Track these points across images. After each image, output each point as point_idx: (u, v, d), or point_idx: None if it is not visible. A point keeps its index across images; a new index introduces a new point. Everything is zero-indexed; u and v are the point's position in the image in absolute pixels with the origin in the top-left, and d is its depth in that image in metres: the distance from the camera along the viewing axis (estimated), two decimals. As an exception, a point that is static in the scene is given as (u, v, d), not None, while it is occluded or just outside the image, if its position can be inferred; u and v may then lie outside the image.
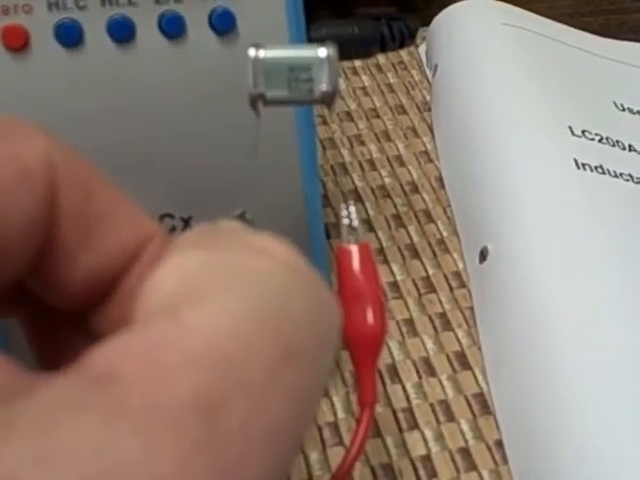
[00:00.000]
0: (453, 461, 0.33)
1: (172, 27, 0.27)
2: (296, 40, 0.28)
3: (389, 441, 0.33)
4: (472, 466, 0.33)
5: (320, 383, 0.15)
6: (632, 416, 0.30)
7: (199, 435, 0.12)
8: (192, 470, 0.12)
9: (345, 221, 0.24)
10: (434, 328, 0.38)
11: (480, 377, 0.35)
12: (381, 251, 0.41)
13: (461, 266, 0.40)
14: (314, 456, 0.33)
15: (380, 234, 0.42)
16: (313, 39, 0.30)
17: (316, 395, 0.15)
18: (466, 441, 0.33)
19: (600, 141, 0.42)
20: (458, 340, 0.37)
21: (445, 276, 0.40)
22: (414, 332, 0.37)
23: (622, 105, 0.45)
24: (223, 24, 0.27)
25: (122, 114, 0.27)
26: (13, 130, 0.16)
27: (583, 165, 0.39)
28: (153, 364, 0.13)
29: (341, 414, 0.34)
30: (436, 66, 0.49)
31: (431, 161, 0.46)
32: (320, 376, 0.15)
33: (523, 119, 0.42)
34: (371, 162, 0.46)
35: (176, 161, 0.28)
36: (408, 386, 0.35)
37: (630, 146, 0.42)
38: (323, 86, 0.22)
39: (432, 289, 0.39)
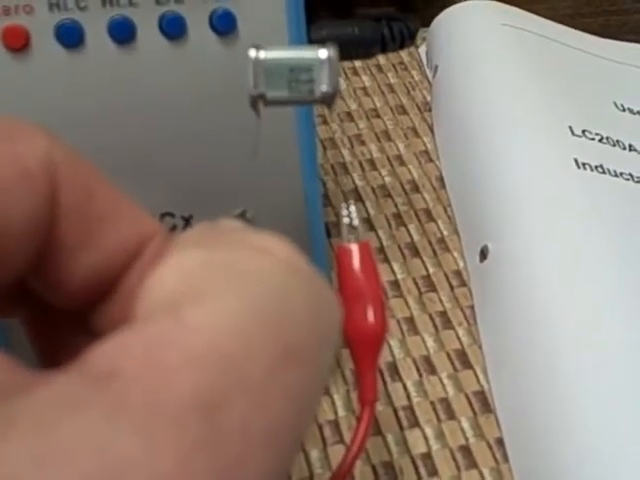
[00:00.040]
0: (454, 459, 0.33)
1: (173, 28, 0.27)
2: (296, 41, 0.28)
3: (390, 439, 0.33)
4: (473, 464, 0.33)
5: (320, 381, 0.16)
6: (632, 415, 0.30)
7: (199, 433, 0.12)
8: (192, 468, 0.12)
9: (345, 220, 0.24)
10: (434, 326, 0.38)
11: (481, 375, 0.36)
12: (382, 250, 0.41)
13: (461, 265, 0.40)
14: (315, 454, 0.33)
15: (381, 233, 0.42)
16: (313, 40, 0.30)
17: (316, 393, 0.15)
18: (467, 439, 0.33)
19: (600, 141, 0.42)
20: (459, 338, 0.37)
21: (445, 275, 0.40)
22: (415, 330, 0.37)
23: (622, 105, 0.45)
24: (224, 25, 0.27)
25: (123, 114, 0.27)
26: (14, 130, 0.16)
27: (583, 165, 0.39)
28: (154, 362, 0.13)
29: (342, 412, 0.34)
30: (436, 67, 0.49)
31: (431, 161, 0.46)
32: (320, 374, 0.15)
33: (523, 119, 0.42)
34: (371, 162, 0.46)
35: (177, 161, 0.28)
36: (409, 384, 0.35)
37: (630, 146, 0.42)
38: (323, 87, 0.22)
39: (432, 288, 0.39)
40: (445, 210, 0.43)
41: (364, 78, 0.52)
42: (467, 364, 0.36)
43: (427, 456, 0.33)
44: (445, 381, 0.35)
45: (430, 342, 0.37)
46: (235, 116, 0.27)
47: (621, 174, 0.40)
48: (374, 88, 0.51)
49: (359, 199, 0.43)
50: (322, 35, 0.31)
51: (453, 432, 0.34)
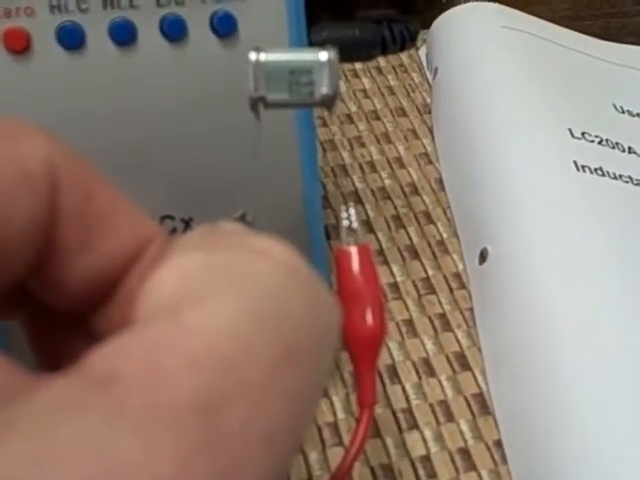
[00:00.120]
0: (452, 461, 0.33)
1: (173, 30, 0.27)
2: (297, 43, 0.28)
3: (389, 441, 0.33)
4: (471, 466, 0.33)
5: (320, 384, 0.16)
6: (631, 417, 0.30)
7: (199, 436, 0.12)
8: (192, 471, 0.12)
9: (345, 223, 0.24)
10: (434, 329, 0.38)
11: (480, 378, 0.36)
12: (381, 252, 0.41)
13: (461, 267, 0.40)
14: (314, 456, 0.33)
15: (380, 235, 0.42)
16: (314, 42, 0.30)
17: (316, 396, 0.15)
18: (465, 441, 0.33)
19: (600, 143, 0.42)
20: (458, 341, 0.37)
21: (445, 277, 0.40)
22: (414, 333, 0.37)
23: (622, 107, 0.45)
24: (224, 27, 0.27)
25: (123, 116, 0.27)
26: (14, 131, 0.16)
27: (583, 167, 0.39)
28: (153, 365, 0.13)
29: (341, 414, 0.34)
30: (436, 69, 0.49)
31: (431, 163, 0.46)
32: (319, 377, 0.15)
33: (523, 121, 0.42)
34: (371, 164, 0.46)
35: (177, 163, 0.28)
36: (408, 386, 0.35)
37: (630, 148, 0.42)
38: (324, 89, 0.22)
39: (432, 290, 0.39)
40: (445, 212, 0.43)
41: (364, 80, 0.52)
42: (466, 366, 0.36)
43: (426, 458, 0.33)
44: (444, 383, 0.35)
45: (429, 344, 0.37)
46: (235, 118, 0.27)
47: (620, 176, 0.40)
48: (374, 90, 0.51)
49: (359, 201, 0.43)
50: (322, 37, 0.31)
51: (452, 434, 0.34)
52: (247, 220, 0.29)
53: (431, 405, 0.35)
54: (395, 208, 0.43)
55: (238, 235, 0.17)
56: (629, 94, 0.47)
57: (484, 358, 0.36)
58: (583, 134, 0.42)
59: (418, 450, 0.33)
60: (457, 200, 0.43)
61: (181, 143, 0.28)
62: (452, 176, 0.44)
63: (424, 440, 0.33)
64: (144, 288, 0.16)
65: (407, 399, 0.35)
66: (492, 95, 0.44)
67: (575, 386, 0.31)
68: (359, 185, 0.45)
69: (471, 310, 0.38)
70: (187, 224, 0.29)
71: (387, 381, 0.35)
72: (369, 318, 0.24)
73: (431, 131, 0.48)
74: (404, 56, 0.53)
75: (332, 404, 0.35)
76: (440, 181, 0.45)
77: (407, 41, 0.34)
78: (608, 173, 0.39)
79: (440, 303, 0.39)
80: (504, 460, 0.33)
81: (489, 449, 0.33)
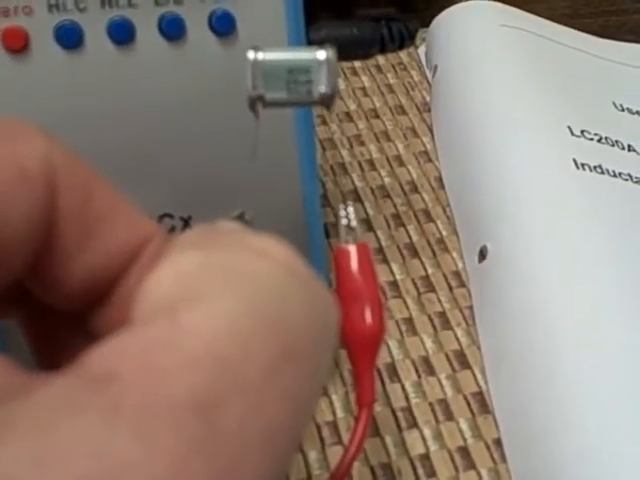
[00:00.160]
0: (452, 460, 0.33)
1: (172, 29, 0.27)
2: (296, 41, 0.28)
3: (388, 440, 0.33)
4: (471, 465, 0.33)
5: (318, 383, 0.16)
6: (631, 416, 0.30)
7: (197, 435, 0.12)
8: (190, 470, 0.12)
9: (343, 221, 0.24)
10: (433, 327, 0.38)
11: (479, 376, 0.36)
12: (380, 250, 0.41)
13: (460, 265, 0.40)
14: (313, 455, 0.33)
15: (379, 233, 0.42)
16: (312, 40, 0.30)
17: (314, 395, 0.15)
18: (465, 440, 0.33)
19: (599, 141, 0.42)
20: (457, 339, 0.37)
21: (444, 275, 0.40)
22: (413, 331, 0.37)
23: (621, 105, 0.45)
24: (223, 26, 0.27)
25: (122, 116, 0.27)
26: (12, 132, 0.16)
27: (582, 165, 0.39)
28: (151, 364, 0.13)
29: (340, 413, 0.34)
30: (436, 67, 0.49)
31: (430, 161, 0.46)
32: (318, 376, 0.15)
33: (522, 119, 0.42)
34: (371, 162, 0.46)
35: (176, 162, 0.28)
36: (407, 385, 0.35)
37: (629, 146, 0.42)
38: (322, 88, 0.22)
39: (431, 288, 0.39)
40: (444, 210, 0.43)
41: (363, 78, 0.52)
42: (466, 365, 0.36)
43: (425, 457, 0.33)
44: (444, 382, 0.35)
45: (429, 343, 0.37)
46: (234, 117, 0.27)
47: (620, 174, 0.40)
48: (373, 88, 0.51)
49: (358, 200, 0.43)
50: (321, 36, 0.31)
51: (451, 433, 0.34)
52: (245, 219, 0.29)
53: (430, 404, 0.35)
54: (394, 206, 0.43)
55: (236, 234, 0.17)
56: (628, 92, 0.47)
57: (483, 356, 0.36)
58: (582, 132, 0.42)
59: (417, 449, 0.33)
60: (456, 198, 0.43)
61: (180, 142, 0.28)
62: (451, 174, 0.44)
63: (423, 439, 0.33)
64: (142, 287, 0.16)
65: (406, 398, 0.35)
66: (491, 93, 0.44)
67: (574, 384, 0.31)
68: (358, 183, 0.45)
69: (471, 308, 0.38)
70: (186, 223, 0.29)
71: (386, 380, 0.35)
72: (368, 317, 0.24)
73: (430, 129, 0.48)
74: (403, 54, 0.53)
75: (331, 403, 0.35)
76: (439, 179, 0.45)
77: (406, 39, 0.34)
78: (607, 171, 0.39)
79: (440, 301, 0.39)
80: (503, 459, 0.33)
81: (488, 448, 0.33)
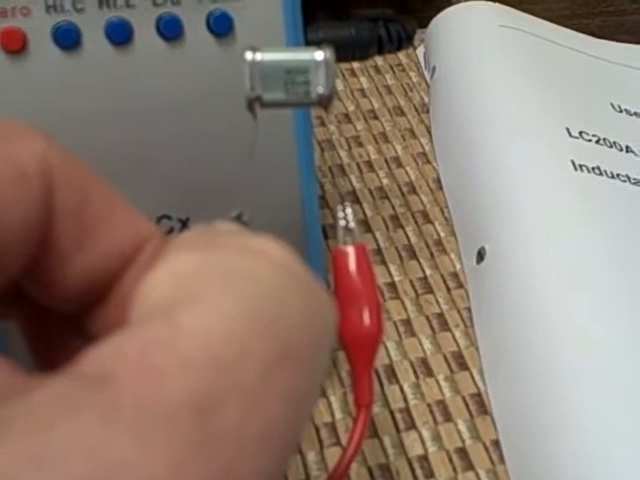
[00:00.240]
0: (450, 461, 0.33)
1: (170, 29, 0.27)
2: (293, 42, 0.28)
3: (386, 441, 0.33)
4: (469, 466, 0.33)
5: (315, 384, 0.16)
6: (628, 417, 0.30)
7: (193, 436, 0.12)
8: (186, 471, 0.12)
9: (341, 222, 0.24)
10: (431, 328, 0.38)
11: (477, 377, 0.36)
12: (379, 252, 0.41)
13: (458, 267, 0.40)
14: (311, 456, 0.33)
15: (378, 235, 0.42)
16: (310, 41, 0.30)
17: (311, 396, 0.15)
18: (463, 441, 0.33)
19: (597, 142, 0.42)
20: (455, 340, 0.37)
21: (442, 277, 0.40)
22: (411, 332, 0.37)
23: (619, 106, 0.45)
24: (221, 27, 0.27)
25: (120, 116, 0.27)
26: (10, 132, 0.16)
27: (580, 166, 0.39)
28: (148, 365, 0.13)
29: (338, 414, 0.34)
30: (434, 68, 0.49)
31: (429, 162, 0.46)
32: (315, 377, 0.15)
33: (521, 120, 0.42)
34: (369, 163, 0.46)
35: (174, 163, 0.28)
36: (405, 386, 0.35)
37: (627, 147, 0.42)
38: (320, 89, 0.22)
39: (429, 290, 0.39)
40: (442, 212, 0.43)
41: (362, 79, 0.52)
42: (464, 366, 0.36)
43: (424, 458, 0.33)
44: (442, 383, 0.35)
45: (427, 344, 0.37)
46: (232, 118, 0.27)
47: (618, 175, 0.40)
48: (372, 89, 0.51)
49: (356, 201, 0.43)
50: (319, 37, 0.31)
51: (450, 434, 0.34)
52: (243, 220, 0.29)
53: (429, 405, 0.35)
54: (393, 208, 0.43)
55: (234, 235, 0.17)
56: (627, 93, 0.47)
57: (482, 358, 0.36)
58: (581, 133, 0.42)
59: (416, 450, 0.33)
60: (455, 199, 0.43)
61: (178, 143, 0.28)
62: (450, 175, 0.44)
63: (422, 440, 0.33)
64: (139, 288, 0.16)
65: (405, 399, 0.35)
66: (490, 94, 0.44)
67: (572, 385, 0.31)
68: (357, 185, 0.45)
69: (469, 309, 0.38)
70: (184, 224, 0.29)
71: (385, 381, 0.35)
72: (366, 318, 0.24)
73: (429, 130, 0.48)
74: (402, 55, 0.53)
75: (330, 404, 0.35)
76: (438, 180, 0.45)
77: (404, 40, 0.34)
78: (606, 172, 0.39)
79: (438, 303, 0.39)
80: (502, 460, 0.33)
81: (487, 449, 0.33)
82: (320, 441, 0.33)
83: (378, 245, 0.41)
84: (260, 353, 0.14)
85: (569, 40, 0.50)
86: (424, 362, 0.36)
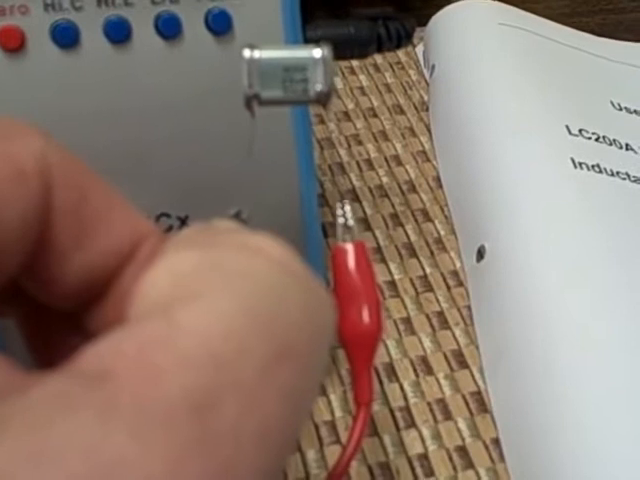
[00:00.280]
0: (450, 459, 0.33)
1: (168, 28, 0.27)
2: (292, 40, 0.28)
3: (386, 440, 0.33)
4: (469, 464, 0.33)
5: (314, 382, 0.16)
6: (628, 415, 0.30)
7: (191, 434, 0.12)
8: (185, 469, 0.12)
9: (340, 220, 0.24)
10: (431, 327, 0.38)
11: (477, 375, 0.36)
12: (379, 250, 0.41)
13: (458, 265, 0.40)
14: (311, 454, 0.33)
15: (378, 233, 0.42)
16: (309, 39, 0.30)
17: (310, 394, 0.15)
18: (463, 439, 0.33)
19: (597, 140, 0.42)
20: (455, 339, 0.37)
21: (442, 275, 0.40)
22: (411, 331, 0.37)
23: (619, 104, 0.45)
24: (219, 25, 0.27)
25: (118, 115, 0.27)
26: (8, 130, 0.16)
27: (580, 164, 0.39)
28: (146, 363, 0.13)
29: (338, 413, 0.34)
30: (433, 66, 0.49)
31: (428, 160, 0.46)
32: (314, 374, 0.15)
33: (520, 118, 0.42)
34: (369, 162, 0.46)
35: (173, 161, 0.28)
36: (405, 385, 0.35)
37: (627, 145, 0.42)
38: (318, 86, 0.22)
39: (429, 288, 0.39)
40: (442, 210, 0.43)
41: (361, 78, 0.52)
42: (464, 364, 0.36)
43: (424, 457, 0.33)
44: (442, 381, 0.35)
45: (427, 342, 0.37)
46: (231, 116, 0.27)
47: (618, 173, 0.40)
48: (371, 88, 0.51)
49: (356, 199, 0.43)
50: (318, 35, 0.31)
51: (450, 432, 0.34)
52: (242, 218, 0.29)
53: (429, 403, 0.35)
54: (392, 206, 0.43)
55: (232, 233, 0.17)
56: (626, 91, 0.47)
57: (482, 356, 0.36)
58: (580, 131, 0.42)
59: (416, 448, 0.33)
60: (454, 198, 0.43)
61: (177, 141, 0.28)
62: (449, 174, 0.44)
63: (422, 438, 0.33)
64: (137, 286, 0.16)
65: (405, 397, 0.35)
66: (489, 92, 0.44)
67: (572, 383, 0.31)
68: (356, 183, 0.45)
69: (469, 308, 0.38)
70: (183, 222, 0.29)
71: (385, 379, 0.35)
72: (366, 316, 0.24)
73: (428, 129, 0.48)
74: (401, 53, 0.53)
75: (329, 402, 0.35)
76: (437, 179, 0.45)
77: (403, 39, 0.34)
78: (605, 170, 0.39)
79: (438, 301, 0.39)
80: (502, 458, 0.33)
81: (487, 447, 0.33)
82: (320, 439, 0.33)
83: (378, 243, 0.41)
84: (258, 351, 0.14)
85: (569, 38, 0.50)
86: (424, 360, 0.36)
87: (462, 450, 0.33)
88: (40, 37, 0.26)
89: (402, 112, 0.49)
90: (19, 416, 0.12)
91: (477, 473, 0.32)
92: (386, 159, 0.46)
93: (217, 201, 0.29)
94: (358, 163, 0.46)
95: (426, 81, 0.51)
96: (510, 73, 0.45)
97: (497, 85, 0.44)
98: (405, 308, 0.38)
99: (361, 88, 0.51)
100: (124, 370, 0.13)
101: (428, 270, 0.40)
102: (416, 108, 0.49)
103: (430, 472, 0.32)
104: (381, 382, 0.35)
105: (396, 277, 0.40)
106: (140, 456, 0.12)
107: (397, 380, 0.35)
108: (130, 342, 0.13)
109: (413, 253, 0.41)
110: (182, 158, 0.28)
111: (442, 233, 0.42)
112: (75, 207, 0.16)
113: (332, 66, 0.22)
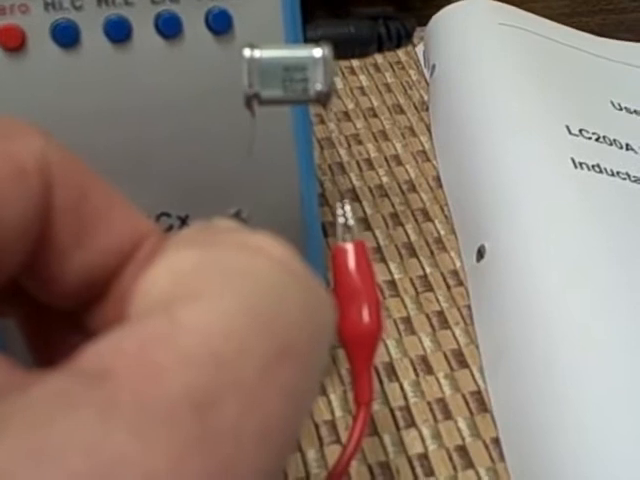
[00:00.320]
0: (450, 459, 0.33)
1: (169, 27, 0.27)
2: (292, 40, 0.28)
3: (386, 439, 0.33)
4: (469, 464, 0.33)
5: (314, 381, 0.16)
6: (628, 414, 0.30)
7: (192, 432, 0.12)
8: (186, 467, 0.12)
9: (340, 220, 0.24)
10: (431, 326, 0.38)
11: (477, 375, 0.36)
12: (379, 250, 0.41)
13: (458, 264, 0.40)
14: (311, 454, 0.33)
15: (378, 233, 0.42)
16: (309, 39, 0.30)
17: (310, 393, 0.15)
18: (463, 439, 0.33)
19: (597, 140, 0.42)
20: (455, 338, 0.37)
21: (442, 274, 0.40)
22: (411, 330, 0.37)
23: (619, 104, 0.45)
24: (219, 24, 0.27)
25: (119, 114, 0.27)
26: (8, 129, 0.16)
27: (580, 164, 0.39)
28: (147, 361, 0.13)
29: (338, 412, 0.34)
30: (434, 66, 0.49)
31: (429, 160, 0.46)
32: (314, 374, 0.15)
33: (520, 118, 0.42)
34: (369, 161, 0.46)
35: (173, 160, 0.28)
36: (405, 384, 0.35)
37: (627, 145, 0.42)
38: (318, 86, 0.22)
39: (429, 287, 0.39)
40: (442, 210, 0.43)
41: (361, 77, 0.52)
42: (464, 364, 0.36)
43: (424, 456, 0.33)
44: (442, 381, 0.35)
45: (427, 342, 0.37)
46: (231, 115, 0.27)
47: (618, 173, 0.40)
48: (371, 87, 0.51)
49: (356, 199, 0.43)
50: (318, 34, 0.31)
51: (450, 432, 0.34)
52: (242, 217, 0.29)
53: (429, 403, 0.35)
54: (392, 206, 0.43)
55: (233, 232, 0.17)
56: (627, 91, 0.47)
57: (482, 355, 0.36)
58: (580, 131, 0.42)
59: (416, 448, 0.33)
60: (454, 197, 0.43)
61: (177, 140, 0.28)
62: (450, 173, 0.44)
63: (422, 438, 0.33)
64: (138, 285, 0.16)
65: (405, 397, 0.35)
66: (490, 92, 0.44)
67: (572, 383, 0.31)
68: (356, 183, 0.45)
69: (469, 307, 0.38)
70: (183, 221, 0.29)
71: (385, 379, 0.35)
72: (366, 315, 0.24)
73: (428, 128, 0.48)
74: (401, 53, 0.53)
75: (329, 402, 0.35)
76: (438, 178, 0.45)
77: (403, 38, 0.34)
78: (606, 170, 0.39)
79: (438, 300, 0.39)
80: (502, 458, 0.33)
81: (487, 447, 0.33)
82: (320, 439, 0.33)
83: (378, 243, 0.41)
84: (259, 350, 0.14)
85: (569, 38, 0.50)
86: (424, 360, 0.36)
87: (462, 450, 0.33)
88: (40, 36, 0.26)
89: (402, 112, 0.49)
90: (19, 414, 0.12)
91: (477, 473, 0.32)
92: (386, 159, 0.46)
93: (217, 200, 0.29)
94: (358, 163, 0.46)
95: (426, 81, 0.51)
96: (510, 73, 0.45)
97: (497, 85, 0.44)
98: (405, 308, 0.38)
99: (361, 88, 0.51)
100: (125, 368, 0.13)
101: (428, 270, 0.40)
102: (416, 108, 0.49)
103: (430, 472, 0.32)
104: (381, 382, 0.35)
105: (396, 277, 0.40)
106: (141, 454, 0.12)
107: (397, 380, 0.35)
108: (131, 340, 0.13)
109: (413, 253, 0.41)
110: (182, 157, 0.28)
111: (442, 233, 0.42)
112: (75, 206, 0.16)
113: (332, 66, 0.22)
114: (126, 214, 0.17)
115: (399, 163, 0.46)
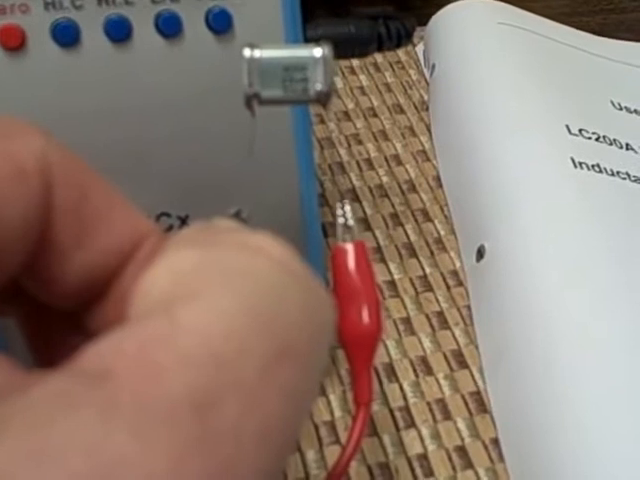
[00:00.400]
0: (450, 459, 0.33)
1: (169, 26, 0.27)
2: (292, 40, 0.28)
3: (386, 440, 0.33)
4: (469, 464, 0.33)
5: (314, 381, 0.16)
6: (628, 414, 0.30)
7: (192, 433, 0.12)
8: (186, 468, 0.12)
9: (340, 220, 0.24)
10: (431, 327, 0.38)
11: (477, 375, 0.36)
12: (378, 250, 0.41)
13: (458, 265, 0.40)
14: (310, 455, 0.33)
15: (377, 233, 0.42)
16: (310, 39, 0.30)
17: (310, 393, 0.15)
18: (462, 439, 0.33)
19: (597, 140, 0.42)
20: (455, 339, 0.37)
21: (442, 275, 0.40)
22: (411, 331, 0.37)
23: (619, 104, 0.45)
24: (220, 24, 0.27)
25: (119, 114, 0.27)
26: (8, 129, 0.16)
27: (580, 164, 0.39)
28: (147, 362, 0.13)
29: (338, 413, 0.34)
30: (434, 65, 0.49)
31: (428, 160, 0.46)
32: (314, 374, 0.15)
33: (520, 118, 0.42)
34: (369, 161, 0.46)
35: (173, 160, 0.28)
36: (405, 385, 0.35)
37: (627, 145, 0.42)
38: (318, 86, 0.22)
39: (429, 288, 0.39)
40: (442, 210, 0.43)
41: (361, 77, 0.52)
42: (463, 364, 0.36)
43: (423, 457, 0.33)
44: (441, 382, 0.35)
45: (427, 342, 0.37)
46: (231, 115, 0.27)
47: (618, 173, 0.40)
48: (371, 87, 0.51)
49: (356, 199, 0.43)
50: (318, 34, 0.31)
51: (449, 432, 0.34)
52: (242, 217, 0.29)
53: (428, 403, 0.35)
54: (392, 206, 0.43)
55: (233, 232, 0.17)
56: (627, 91, 0.47)
57: (481, 356, 0.36)
58: (580, 131, 0.42)
59: (415, 448, 0.33)
60: (454, 197, 0.43)
61: (177, 140, 0.28)
62: (450, 173, 0.44)
63: (421, 438, 0.33)
64: (138, 285, 0.16)
65: (404, 397, 0.35)
66: (489, 92, 0.44)
67: (572, 383, 0.31)
68: (356, 182, 0.45)
69: (468, 308, 0.38)
70: (183, 221, 0.29)
71: (384, 379, 0.35)
72: (365, 316, 0.24)
73: (428, 128, 0.48)
74: (401, 53, 0.53)
75: (329, 402, 0.35)
76: (437, 178, 0.45)
77: (403, 38, 0.34)
78: (605, 170, 0.39)
79: (437, 301, 0.39)
80: (501, 458, 0.33)
81: (486, 447, 0.33)
82: (319, 439, 0.33)
83: (378, 243, 0.41)
84: (259, 350, 0.14)
85: (569, 38, 0.50)
86: (424, 360, 0.36)
87: (461, 450, 0.33)
88: (40, 36, 0.26)
89: (402, 111, 0.49)
90: (20, 415, 0.12)
91: (476, 473, 0.32)
92: (386, 159, 0.46)
93: (217, 200, 0.29)
94: (358, 163, 0.46)
95: (426, 80, 0.51)
96: (510, 72, 0.45)
97: (497, 85, 0.44)
98: (405, 308, 0.38)
99: (361, 87, 0.51)
100: (125, 369, 0.13)
101: (428, 270, 0.40)
102: (416, 107, 0.49)
103: (429, 472, 0.32)
104: (381, 382, 0.35)
105: (396, 277, 0.40)
106: (141, 454, 0.12)
107: (397, 380, 0.35)
108: (131, 341, 0.13)
109: (413, 253, 0.41)
110: (182, 157, 0.28)
111: (442, 233, 0.42)
112: (76, 206, 0.16)
113: (332, 65, 0.22)
114: (126, 214, 0.17)
115: (399, 163, 0.46)
